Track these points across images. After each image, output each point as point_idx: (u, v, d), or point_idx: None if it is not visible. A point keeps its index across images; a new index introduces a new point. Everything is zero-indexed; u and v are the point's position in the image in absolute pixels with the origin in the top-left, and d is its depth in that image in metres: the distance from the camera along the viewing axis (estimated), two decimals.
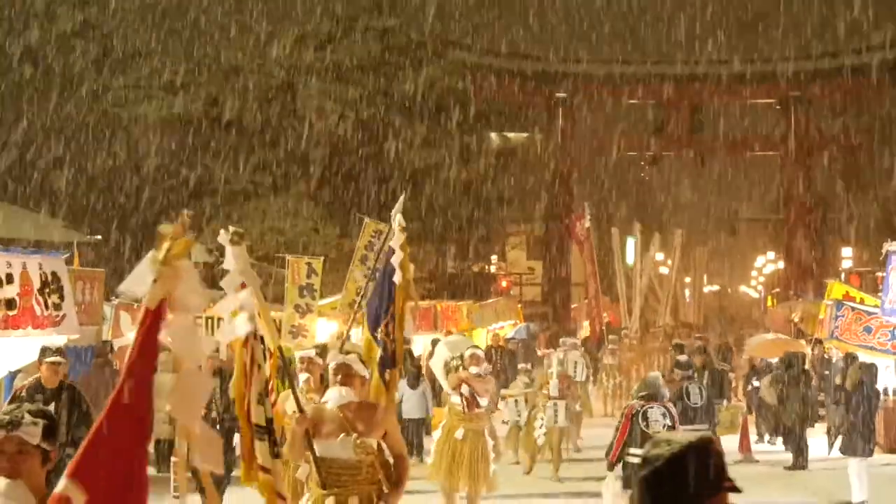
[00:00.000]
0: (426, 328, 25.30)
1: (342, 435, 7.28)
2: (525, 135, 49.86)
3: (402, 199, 9.73)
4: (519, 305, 37.36)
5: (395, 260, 9.26)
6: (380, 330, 9.33)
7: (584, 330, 41.47)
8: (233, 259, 6.68)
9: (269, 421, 6.57)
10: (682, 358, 15.96)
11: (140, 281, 4.55)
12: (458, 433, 12.45)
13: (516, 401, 18.49)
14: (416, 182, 37.00)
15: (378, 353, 9.27)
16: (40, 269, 12.74)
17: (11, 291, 12.13)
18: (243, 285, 6.64)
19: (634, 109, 54.22)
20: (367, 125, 37.49)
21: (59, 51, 35.91)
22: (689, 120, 51.97)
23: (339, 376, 7.74)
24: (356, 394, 7.57)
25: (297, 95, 37.54)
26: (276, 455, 6.58)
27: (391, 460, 7.41)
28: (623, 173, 59.08)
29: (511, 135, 47.76)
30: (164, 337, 4.49)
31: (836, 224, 53.85)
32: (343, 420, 7.34)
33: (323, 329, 21.09)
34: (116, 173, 35.47)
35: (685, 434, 3.47)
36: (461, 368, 13.04)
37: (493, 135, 45.41)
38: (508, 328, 32.16)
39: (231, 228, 6.76)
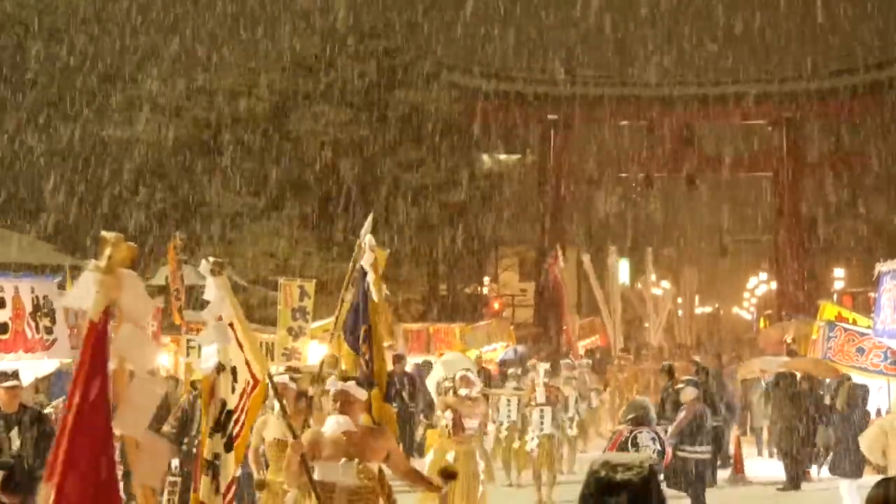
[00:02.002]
0: (419, 350, 25.26)
1: (344, 460, 7.23)
2: (517, 157, 49.93)
3: (370, 219, 9.88)
4: (511, 327, 37.33)
5: (370, 279, 9.32)
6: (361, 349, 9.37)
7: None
8: (214, 289, 6.57)
9: (217, 456, 6.42)
10: (696, 378, 15.86)
11: (84, 292, 4.41)
12: (450, 455, 12.43)
13: (508, 400, 18.54)
14: (409, 204, 37.04)
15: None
16: (32, 292, 12.72)
17: (3, 315, 12.12)
18: (221, 317, 6.55)
19: (626, 131, 54.36)
20: (359, 147, 37.52)
21: (51, 73, 35.98)
22: (681, 141, 52.06)
23: (339, 403, 7.55)
24: (354, 421, 7.49)
25: (289, 118, 37.58)
26: (217, 491, 6.41)
27: (391, 483, 7.42)
28: (615, 195, 59.15)
29: (503, 156, 47.81)
30: (112, 348, 4.37)
31: (828, 244, 53.90)
32: (345, 444, 7.29)
33: (315, 352, 21.04)
34: (108, 196, 35.46)
35: (633, 455, 3.53)
36: (452, 391, 13.01)
37: (486, 156, 45.46)
38: (500, 350, 32.10)
39: (211, 259, 6.66)
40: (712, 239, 72.13)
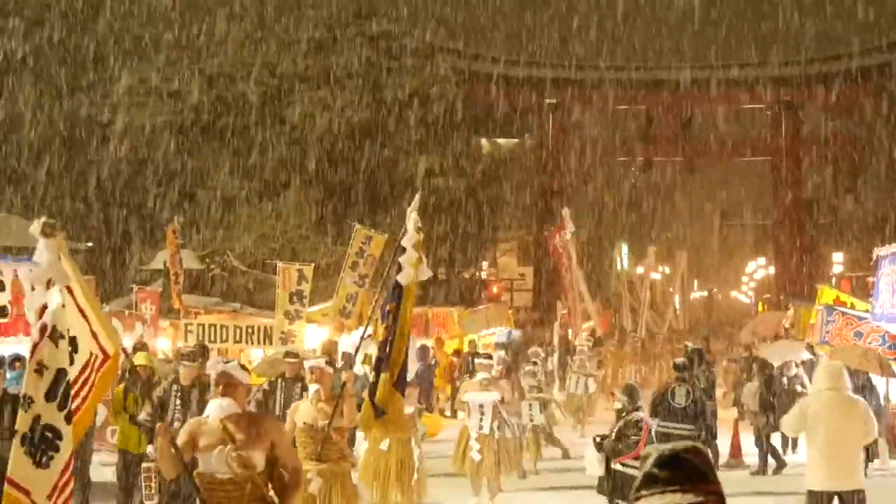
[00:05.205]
0: (417, 333, 25.25)
1: (219, 448, 6.86)
2: (515, 140, 49.89)
3: (418, 196, 9.47)
4: (510, 311, 37.31)
5: (405, 259, 9.09)
6: (381, 327, 9.17)
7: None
8: (44, 251, 6.08)
9: (50, 429, 5.92)
10: (679, 360, 15.98)
11: None
12: (384, 444, 12.04)
13: (530, 405, 17.85)
14: (407, 188, 37.00)
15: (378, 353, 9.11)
16: None
17: (3, 299, 12.13)
18: (51, 282, 6.09)
19: (625, 115, 54.33)
20: (357, 132, 37.49)
21: (50, 58, 35.92)
22: (680, 125, 52.04)
23: (221, 386, 7.17)
24: (239, 404, 7.14)
25: (287, 101, 37.54)
26: (38, 464, 5.92)
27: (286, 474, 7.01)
28: (613, 179, 59.14)
29: (501, 140, 47.77)
30: None
31: (827, 229, 53.94)
32: (223, 432, 6.90)
33: (312, 335, 21.08)
34: (107, 180, 35.45)
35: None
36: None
37: (484, 141, 45.43)
38: (499, 334, 32.02)
39: (43, 219, 6.16)
40: (711, 223, 72.26)
